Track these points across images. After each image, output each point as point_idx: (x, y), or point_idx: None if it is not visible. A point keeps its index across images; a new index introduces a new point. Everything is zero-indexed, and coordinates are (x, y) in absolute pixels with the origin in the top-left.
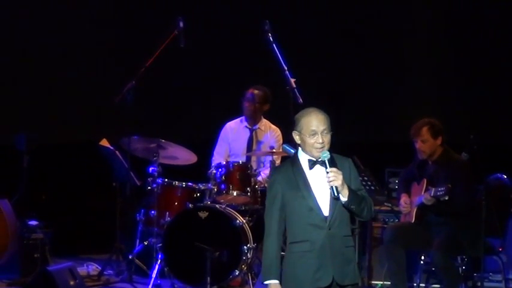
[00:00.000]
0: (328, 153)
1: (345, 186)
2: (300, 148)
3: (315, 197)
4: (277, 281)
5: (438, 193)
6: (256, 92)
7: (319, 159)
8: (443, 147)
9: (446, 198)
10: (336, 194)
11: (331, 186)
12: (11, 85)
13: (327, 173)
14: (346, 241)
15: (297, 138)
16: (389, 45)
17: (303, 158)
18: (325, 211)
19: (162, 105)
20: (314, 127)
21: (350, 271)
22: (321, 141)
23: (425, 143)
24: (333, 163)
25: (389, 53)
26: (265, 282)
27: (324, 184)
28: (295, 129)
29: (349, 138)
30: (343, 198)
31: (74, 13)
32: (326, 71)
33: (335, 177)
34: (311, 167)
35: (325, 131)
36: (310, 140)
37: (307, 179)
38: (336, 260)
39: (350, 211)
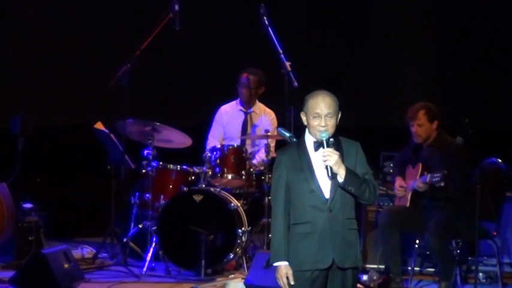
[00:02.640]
0: (327, 134)
1: (342, 167)
2: (307, 130)
3: (317, 179)
4: (286, 262)
5: (434, 179)
6: (251, 76)
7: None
8: (438, 131)
9: (442, 184)
10: (330, 174)
11: (326, 166)
12: (6, 68)
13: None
14: (348, 224)
15: (303, 119)
16: (384, 29)
17: (309, 140)
18: (326, 193)
19: (157, 88)
20: (318, 110)
21: (351, 254)
22: (323, 124)
23: (422, 127)
24: (338, 145)
25: (383, 37)
26: (275, 264)
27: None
28: (303, 109)
29: (344, 121)
30: (340, 178)
31: None
32: (321, 54)
33: (329, 156)
34: (316, 149)
35: (330, 115)
36: (314, 122)
37: (311, 161)
38: (337, 243)
39: (350, 193)
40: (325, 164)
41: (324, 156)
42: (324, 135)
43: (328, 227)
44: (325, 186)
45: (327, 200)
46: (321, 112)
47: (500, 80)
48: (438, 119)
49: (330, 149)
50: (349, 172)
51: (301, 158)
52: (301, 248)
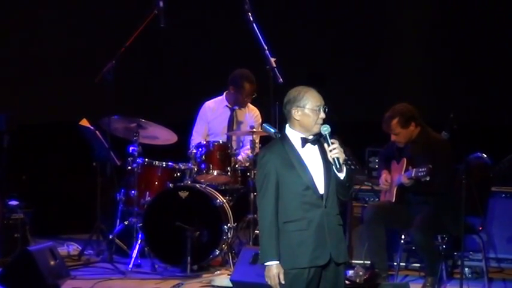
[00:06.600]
0: (328, 127)
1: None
2: (288, 126)
3: (311, 175)
4: (277, 262)
5: (419, 174)
6: (253, 86)
7: (315, 135)
8: (421, 127)
9: (428, 179)
10: (338, 167)
11: (334, 159)
12: None
13: (329, 145)
14: (338, 219)
15: (298, 114)
16: (370, 25)
17: (294, 136)
18: (321, 189)
19: (142, 85)
20: (319, 102)
21: (343, 249)
22: (323, 116)
23: (399, 135)
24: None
25: (369, 33)
26: (267, 264)
27: (316, 162)
28: (297, 105)
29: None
30: (342, 174)
31: None
32: (306, 50)
33: (338, 149)
34: (303, 145)
35: (324, 107)
36: (315, 116)
37: (301, 157)
38: (332, 238)
39: (341, 188)
40: (333, 157)
41: (334, 149)
42: (325, 128)
43: (325, 223)
44: (318, 182)
45: (321, 195)
46: (321, 104)
47: (487, 75)
48: (413, 120)
49: (337, 142)
50: (347, 168)
51: (290, 155)
52: (297, 246)
